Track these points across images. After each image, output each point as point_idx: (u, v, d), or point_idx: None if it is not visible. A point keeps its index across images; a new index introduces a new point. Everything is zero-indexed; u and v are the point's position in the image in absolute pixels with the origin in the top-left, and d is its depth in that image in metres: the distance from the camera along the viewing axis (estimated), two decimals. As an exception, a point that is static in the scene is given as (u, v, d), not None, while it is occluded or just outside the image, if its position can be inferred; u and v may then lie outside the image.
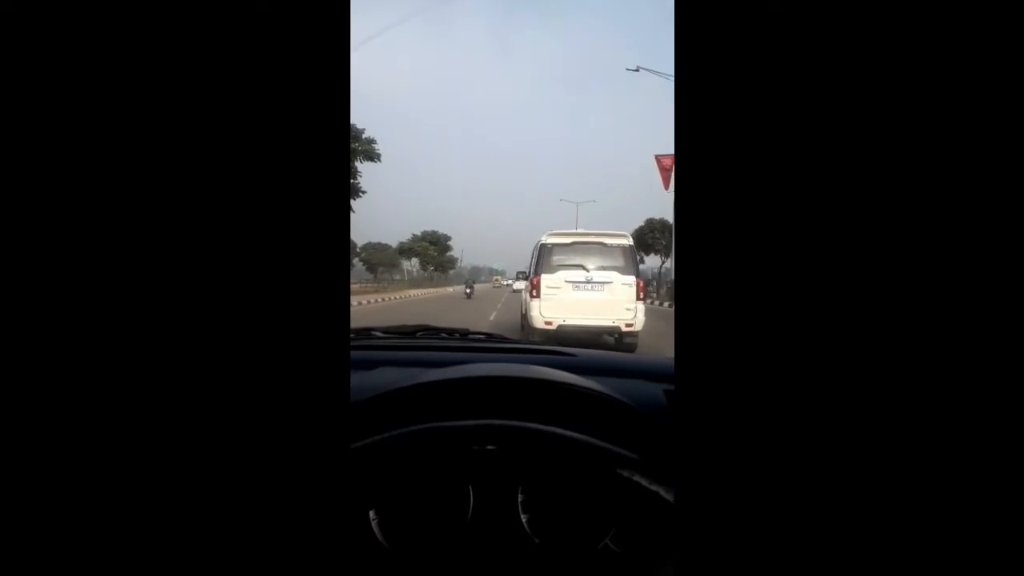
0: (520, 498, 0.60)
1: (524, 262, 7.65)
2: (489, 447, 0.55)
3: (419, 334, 1.18)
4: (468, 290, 22.58)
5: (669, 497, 0.48)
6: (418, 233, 44.01)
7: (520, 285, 8.38)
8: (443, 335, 1.18)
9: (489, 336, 1.19)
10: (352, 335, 1.11)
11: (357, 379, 0.75)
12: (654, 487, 0.49)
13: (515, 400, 0.64)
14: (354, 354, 0.90)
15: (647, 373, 0.85)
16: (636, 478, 0.49)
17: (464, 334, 1.20)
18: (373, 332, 1.15)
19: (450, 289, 34.50)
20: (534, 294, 5.98)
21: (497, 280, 29.45)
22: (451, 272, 53.92)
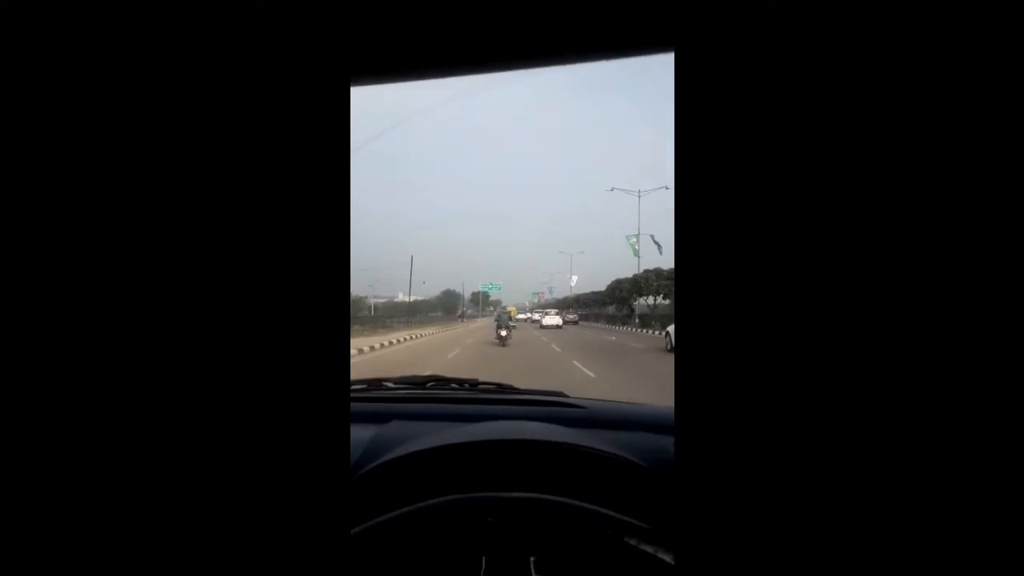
0: (532, 568, 0.60)
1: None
2: (489, 519, 0.55)
3: (430, 384, 1.20)
4: (503, 331, 14.31)
5: (670, 561, 0.48)
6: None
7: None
8: (453, 385, 1.20)
9: (499, 386, 1.20)
10: (364, 386, 1.17)
11: (371, 432, 0.81)
12: (661, 555, 0.48)
13: (527, 464, 0.66)
14: (367, 406, 0.98)
15: (655, 425, 0.87)
16: (644, 547, 0.49)
17: (474, 384, 1.20)
18: (385, 383, 1.19)
19: (455, 329, 29.06)
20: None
21: (510, 315, 25.00)
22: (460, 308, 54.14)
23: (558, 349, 12.65)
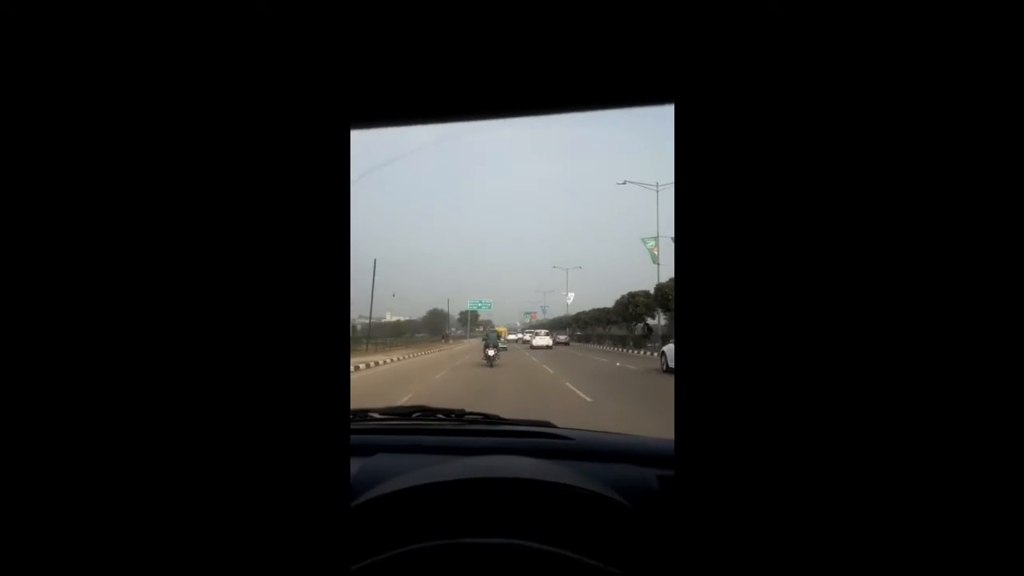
0: None
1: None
2: (483, 565, 0.56)
3: (415, 415, 1.20)
4: (491, 351, 14.21)
5: None
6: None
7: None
8: (440, 416, 1.20)
9: (485, 417, 1.19)
10: (350, 417, 1.14)
11: (356, 466, 0.81)
12: None
13: (511, 502, 0.68)
14: (353, 438, 0.96)
15: (641, 457, 0.87)
16: None
17: (460, 415, 1.20)
18: (370, 414, 1.18)
19: (432, 353, 24.90)
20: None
21: (500, 335, 22.62)
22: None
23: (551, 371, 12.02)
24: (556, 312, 59.42)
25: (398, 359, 18.21)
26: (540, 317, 62.37)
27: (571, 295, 47.97)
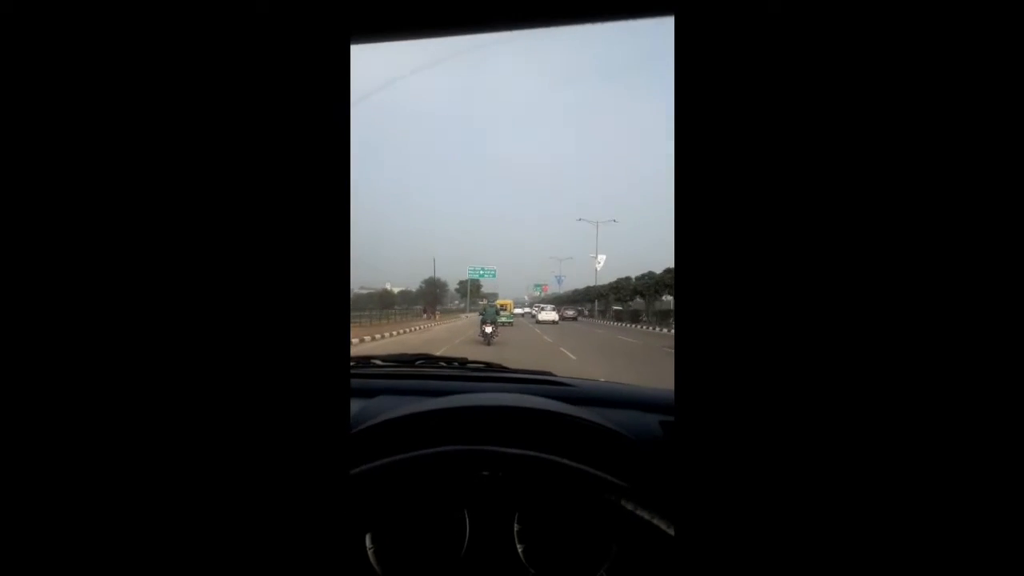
0: (516, 528, 0.61)
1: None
2: (484, 473, 0.56)
3: (419, 363, 1.20)
4: (488, 327, 12.75)
5: (665, 528, 0.49)
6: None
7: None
8: (442, 364, 1.20)
9: (488, 365, 1.19)
10: (353, 363, 1.15)
11: (358, 407, 0.83)
12: (650, 517, 0.50)
13: (512, 430, 0.68)
14: (354, 382, 0.99)
15: (643, 404, 0.87)
16: (635, 509, 0.50)
17: (463, 363, 1.20)
18: (373, 360, 1.19)
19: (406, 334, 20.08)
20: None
21: (506, 308, 21.24)
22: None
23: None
24: (577, 282, 53.88)
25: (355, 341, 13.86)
26: (553, 290, 55.70)
27: (602, 258, 37.99)
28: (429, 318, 27.77)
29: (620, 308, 32.52)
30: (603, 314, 35.65)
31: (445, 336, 16.71)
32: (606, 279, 37.30)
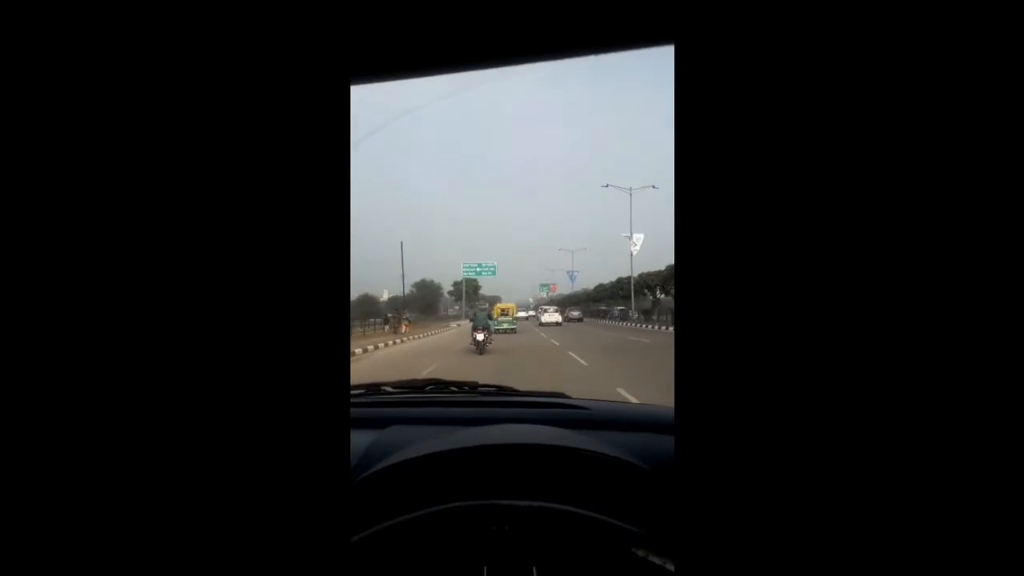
0: None
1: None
2: (505, 528, 0.56)
3: (429, 388, 1.19)
4: (480, 334, 11.79)
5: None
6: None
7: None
8: (452, 388, 1.19)
9: (499, 389, 1.19)
10: (362, 391, 1.17)
11: (369, 439, 0.81)
12: (662, 563, 0.49)
13: (526, 471, 0.67)
14: (365, 411, 0.99)
15: (657, 425, 0.87)
16: (647, 556, 0.50)
17: (473, 387, 1.20)
18: (383, 387, 1.19)
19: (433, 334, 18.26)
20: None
21: (508, 312, 20.80)
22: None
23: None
24: (589, 280, 50.59)
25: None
26: (563, 289, 51.22)
27: (638, 238, 31.79)
28: (394, 331, 21.10)
29: (623, 308, 30.52)
30: (601, 314, 33.33)
31: (404, 359, 10.68)
32: (643, 266, 32.88)
